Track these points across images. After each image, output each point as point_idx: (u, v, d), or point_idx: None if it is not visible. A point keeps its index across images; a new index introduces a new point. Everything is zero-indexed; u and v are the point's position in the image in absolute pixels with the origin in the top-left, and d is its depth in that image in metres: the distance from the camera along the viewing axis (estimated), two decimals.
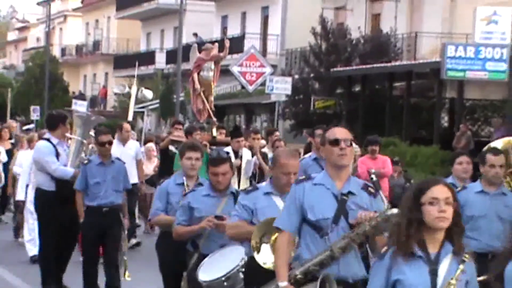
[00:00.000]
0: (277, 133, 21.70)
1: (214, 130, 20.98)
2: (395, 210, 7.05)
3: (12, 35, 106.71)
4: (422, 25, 40.45)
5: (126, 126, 20.36)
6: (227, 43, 23.58)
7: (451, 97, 35.48)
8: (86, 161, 13.11)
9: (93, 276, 12.86)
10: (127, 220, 13.47)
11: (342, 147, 7.32)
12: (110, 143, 13.04)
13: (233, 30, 55.02)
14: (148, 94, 45.42)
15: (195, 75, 22.98)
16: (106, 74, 74.09)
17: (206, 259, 8.78)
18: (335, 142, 7.35)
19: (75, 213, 13.29)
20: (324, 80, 40.30)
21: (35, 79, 66.36)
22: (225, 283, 8.42)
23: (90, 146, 14.93)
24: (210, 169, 9.19)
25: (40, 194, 14.10)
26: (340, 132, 7.45)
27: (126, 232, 13.16)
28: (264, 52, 45.90)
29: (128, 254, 13.42)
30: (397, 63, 38.75)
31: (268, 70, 33.64)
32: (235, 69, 33.91)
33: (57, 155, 13.78)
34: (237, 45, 50.31)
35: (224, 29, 56.91)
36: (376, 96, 38.72)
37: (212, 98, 23.16)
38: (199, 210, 9.16)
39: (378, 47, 40.04)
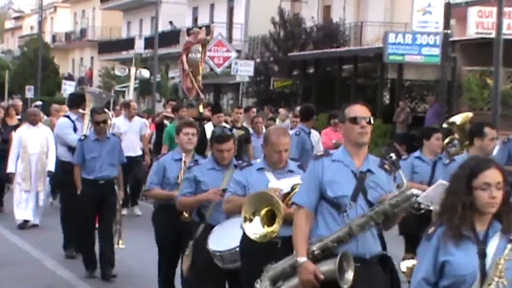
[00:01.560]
0: (254, 109, 21.28)
1: (200, 106, 20.59)
2: (415, 191, 6.60)
3: (9, 24, 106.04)
4: (367, 15, 40.56)
5: (133, 104, 20.21)
6: (213, 29, 23.58)
7: (392, 78, 35.57)
8: (83, 138, 12.71)
9: (90, 243, 12.38)
10: (122, 192, 12.81)
11: (363, 125, 6.58)
12: (105, 121, 12.44)
13: (203, 20, 54.88)
14: (145, 73, 45.02)
15: (184, 57, 22.80)
16: (92, 58, 73.74)
17: (214, 229, 8.13)
18: (355, 120, 6.60)
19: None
20: (282, 63, 40.33)
21: (29, 62, 65.96)
22: (237, 254, 7.80)
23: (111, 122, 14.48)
24: (215, 146, 8.57)
25: (60, 164, 14.44)
26: (360, 110, 6.72)
27: (121, 202, 12.61)
28: (230, 39, 45.83)
29: (123, 222, 12.81)
30: (345, 48, 38.88)
31: (233, 54, 33.74)
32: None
33: (75, 129, 13.92)
34: (206, 32, 50.35)
35: (195, 19, 56.77)
36: (327, 77, 38.74)
37: (200, 78, 22.95)
38: (205, 183, 8.51)
39: (329, 35, 40.17)
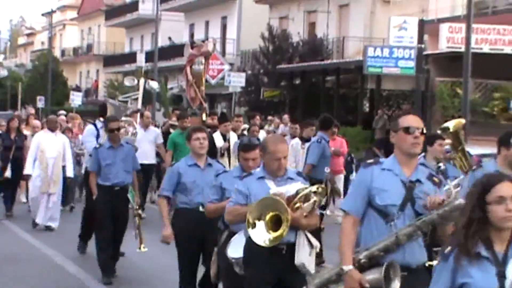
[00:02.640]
0: (257, 116, 20.70)
1: (204, 115, 20.29)
2: (463, 200, 5.68)
3: (21, 40, 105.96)
4: (348, 31, 40.57)
5: (147, 113, 19.66)
6: (215, 42, 23.32)
7: (371, 88, 35.66)
8: (98, 146, 12.26)
9: (107, 248, 11.76)
10: (138, 198, 12.18)
11: (416, 136, 6.02)
12: (118, 129, 12.03)
13: (199, 35, 54.89)
14: (154, 85, 44.63)
15: (188, 69, 22.59)
16: (98, 70, 73.72)
17: (235, 236, 7.65)
18: (408, 130, 6.03)
19: None
20: (271, 75, 40.36)
21: (40, 75, 65.97)
22: None
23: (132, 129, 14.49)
24: (241, 154, 8.05)
25: (86, 171, 14.40)
26: (413, 120, 6.11)
27: (137, 207, 11.89)
28: (223, 52, 45.84)
29: (144, 226, 12.18)
30: (329, 61, 38.90)
31: (226, 67, 33.66)
32: (200, 67, 33.95)
33: (98, 136, 13.89)
34: None
35: (191, 34, 56.77)
36: (312, 87, 38.81)
37: (203, 88, 22.66)
38: (229, 191, 7.85)
39: (314, 49, 40.18)
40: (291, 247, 6.85)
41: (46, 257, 13.70)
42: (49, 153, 16.27)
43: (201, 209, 8.74)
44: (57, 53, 78.14)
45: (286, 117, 30.31)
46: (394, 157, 6.16)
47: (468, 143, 22.16)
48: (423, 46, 28.58)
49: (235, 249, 7.45)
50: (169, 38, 55.67)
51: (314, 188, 6.92)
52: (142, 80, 36.80)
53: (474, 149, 18.97)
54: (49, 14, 73.05)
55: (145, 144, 17.92)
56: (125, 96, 51.02)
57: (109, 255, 11.74)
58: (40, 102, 52.27)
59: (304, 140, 15.96)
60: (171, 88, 48.39)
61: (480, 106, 28.70)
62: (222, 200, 7.97)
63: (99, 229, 11.92)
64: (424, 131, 6.11)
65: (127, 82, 42.45)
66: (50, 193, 16.38)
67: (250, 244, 6.95)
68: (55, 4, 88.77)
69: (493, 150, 19.74)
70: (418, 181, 6.07)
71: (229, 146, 15.89)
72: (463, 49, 23.89)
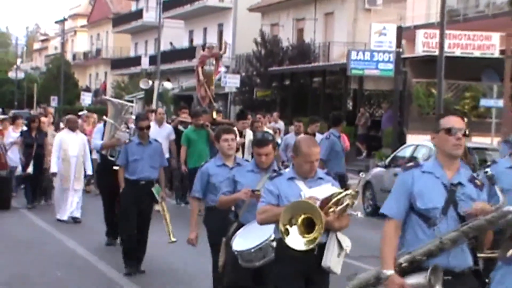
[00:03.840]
0: (249, 116, 19.38)
1: (214, 113, 19.51)
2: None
3: (36, 45, 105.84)
4: (333, 36, 40.62)
5: (160, 110, 19.19)
6: (226, 44, 22.83)
7: (354, 88, 35.70)
8: (127, 141, 11.74)
9: (131, 239, 11.19)
10: (164, 193, 11.57)
11: (458, 137, 5.42)
12: (148, 127, 11.49)
13: (197, 41, 54.94)
14: (168, 85, 44.22)
15: (200, 69, 22.30)
16: (106, 73, 73.66)
17: (241, 229, 7.28)
18: (450, 131, 5.42)
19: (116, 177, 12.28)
20: (263, 77, 40.39)
21: (53, 77, 65.80)
22: (253, 254, 6.89)
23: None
24: (255, 149, 7.55)
25: (95, 164, 14.52)
26: (455, 121, 5.51)
27: (163, 202, 11.25)
28: (221, 56, 45.88)
29: (173, 220, 11.46)
30: (316, 64, 39.00)
31: (223, 69, 33.71)
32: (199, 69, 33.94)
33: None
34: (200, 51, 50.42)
35: (191, 40, 56.80)
36: (301, 88, 38.82)
37: (213, 87, 22.34)
38: (242, 184, 7.51)
39: (302, 53, 40.26)
40: (322, 247, 6.34)
41: (68, 248, 13.56)
42: (71, 151, 15.93)
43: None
44: (69, 57, 78.02)
45: (275, 114, 30.41)
46: (435, 159, 5.58)
47: None
48: (401, 50, 28.58)
49: (240, 242, 7.10)
50: (171, 43, 55.70)
51: (348, 191, 6.39)
52: (156, 82, 36.85)
53: None
54: (62, 21, 72.86)
55: (160, 140, 17.61)
56: (131, 96, 51.01)
57: (132, 246, 11.18)
58: (54, 102, 52.37)
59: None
60: (172, 89, 48.35)
61: (453, 105, 28.74)
62: (234, 193, 7.57)
63: (122, 221, 11.46)
64: (467, 132, 5.51)
65: (142, 84, 42.45)
66: (76, 189, 16.03)
67: (280, 244, 6.37)
68: (67, 13, 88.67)
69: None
70: (460, 183, 5.46)
71: (244, 142, 15.50)
72: (437, 53, 23.94)
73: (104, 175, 13.30)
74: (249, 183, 7.49)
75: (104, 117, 13.89)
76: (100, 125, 14.55)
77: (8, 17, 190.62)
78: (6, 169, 18.17)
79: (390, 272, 5.36)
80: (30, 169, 17.88)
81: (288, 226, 6.11)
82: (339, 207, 6.30)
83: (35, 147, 17.90)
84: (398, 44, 28.22)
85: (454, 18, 29.81)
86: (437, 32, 24.76)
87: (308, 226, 6.13)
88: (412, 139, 25.01)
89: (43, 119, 19.39)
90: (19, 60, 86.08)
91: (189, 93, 47.46)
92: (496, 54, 27.99)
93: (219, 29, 52.85)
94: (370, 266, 9.73)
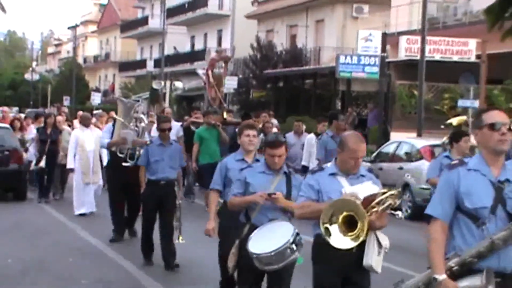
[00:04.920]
0: (264, 114, 19.08)
1: (224, 113, 19.32)
2: None
3: (51, 49, 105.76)
4: (324, 42, 40.63)
5: (167, 109, 18.70)
6: (234, 48, 22.45)
7: (343, 90, 35.65)
8: (149, 142, 11.24)
9: (149, 235, 10.81)
10: (181, 192, 11.03)
11: (503, 132, 4.79)
12: (169, 129, 11.01)
13: (199, 46, 54.98)
14: (179, 84, 43.86)
15: (210, 72, 22.01)
16: (114, 75, 73.69)
17: (255, 231, 6.64)
18: (494, 126, 4.78)
19: (129, 173, 12.12)
20: (259, 79, 40.37)
21: (66, 79, 65.81)
22: (274, 257, 6.30)
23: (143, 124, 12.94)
24: (268, 150, 6.89)
25: (107, 161, 13.66)
26: (499, 116, 4.88)
27: (180, 202, 10.72)
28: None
29: (187, 216, 11.25)
30: (307, 67, 38.99)
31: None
32: (199, 71, 33.97)
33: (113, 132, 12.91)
34: (201, 55, 50.36)
35: (192, 45, 56.80)
36: (294, 89, 38.79)
37: (223, 89, 21.95)
38: (254, 186, 6.88)
39: (295, 57, 40.23)
40: (361, 245, 5.73)
41: (80, 237, 13.54)
42: (88, 146, 15.47)
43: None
44: (80, 60, 78.04)
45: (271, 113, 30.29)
46: (480, 156, 4.92)
47: (422, 135, 22.36)
48: (385, 54, 28.57)
49: (257, 245, 6.49)
50: (174, 48, 55.67)
51: (391, 192, 5.87)
52: (168, 82, 36.62)
53: (428, 141, 19.09)
54: (74, 27, 72.84)
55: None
56: (137, 96, 50.88)
57: (150, 244, 10.81)
58: (66, 101, 52.43)
59: (318, 135, 15.18)
60: (176, 89, 48.34)
61: (433, 105, 28.77)
62: (245, 194, 6.93)
63: (144, 219, 10.95)
64: None
65: (155, 85, 42.26)
66: (95, 182, 15.68)
67: (318, 241, 5.86)
68: (79, 19, 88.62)
69: (442, 141, 19.85)
70: (507, 180, 4.83)
71: None
72: (418, 57, 23.96)
73: (113, 172, 12.94)
74: (261, 184, 6.88)
75: (114, 115, 13.49)
76: (109, 124, 14.10)
77: (25, 24, 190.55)
78: (22, 164, 18.14)
79: (442, 276, 4.74)
80: (42, 163, 17.51)
81: (328, 225, 5.60)
82: (381, 207, 5.80)
83: (48, 143, 17.55)
84: (383, 49, 28.20)
85: (434, 25, 29.82)
86: (419, 38, 24.77)
87: (349, 225, 5.62)
88: (395, 136, 25.01)
89: (58, 117, 19.06)
90: (34, 63, 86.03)
91: (192, 93, 47.46)
92: (473, 59, 28.01)
93: (218, 34, 52.85)
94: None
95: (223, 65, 22.14)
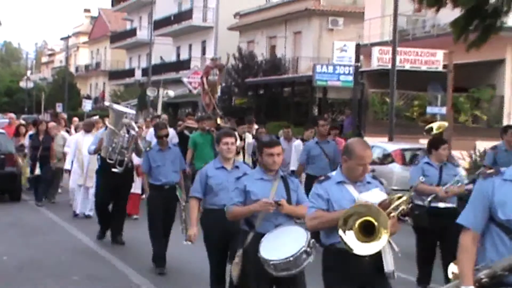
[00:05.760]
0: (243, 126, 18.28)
1: (218, 119, 18.88)
2: None
3: (44, 59, 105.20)
4: (301, 52, 40.69)
5: (164, 116, 17.99)
6: (229, 56, 22.06)
7: (319, 97, 35.71)
8: (148, 149, 10.78)
9: (158, 242, 10.30)
10: (184, 195, 10.40)
11: None
12: (166, 135, 10.65)
13: (184, 55, 54.93)
14: (171, 93, 43.61)
15: (204, 79, 21.78)
16: (104, 83, 73.41)
17: (264, 238, 6.17)
18: None
19: (118, 180, 11.98)
20: (241, 87, 40.34)
21: (59, 86, 65.49)
22: (292, 262, 5.91)
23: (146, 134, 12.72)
24: (265, 150, 6.46)
25: (98, 166, 12.89)
26: None
27: (184, 204, 10.00)
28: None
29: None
30: (286, 76, 39.01)
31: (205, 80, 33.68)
32: (185, 80, 34.00)
33: None
34: (186, 64, 50.39)
35: (178, 54, 56.72)
36: (273, 96, 38.80)
37: (216, 96, 21.64)
38: (255, 193, 6.40)
39: (274, 66, 40.27)
40: (375, 253, 5.30)
41: (71, 236, 13.53)
42: (85, 151, 14.61)
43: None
44: (72, 69, 77.74)
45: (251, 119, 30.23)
46: None
47: (394, 140, 22.43)
48: (359, 64, 28.67)
49: (269, 251, 6.05)
50: (161, 58, 55.51)
51: (404, 198, 5.53)
52: (161, 90, 36.49)
53: (399, 145, 19.15)
54: (66, 38, 72.63)
55: None
56: (126, 103, 50.72)
57: (162, 248, 10.31)
58: (59, 108, 52.23)
59: (304, 141, 14.85)
60: (168, 97, 48.33)
61: (403, 112, 28.87)
62: (245, 203, 6.47)
63: (151, 225, 10.37)
64: None
65: (149, 92, 42.16)
66: (88, 187, 15.11)
67: (331, 250, 5.51)
68: (71, 31, 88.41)
69: (412, 145, 19.96)
70: None
71: (244, 145, 14.94)
72: (390, 67, 24.04)
73: (103, 177, 12.43)
74: (261, 192, 6.43)
75: (106, 122, 12.88)
76: (100, 130, 13.61)
77: (20, 35, 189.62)
78: (16, 167, 18.01)
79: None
80: (37, 171, 17.26)
81: (341, 232, 5.20)
82: (396, 212, 5.46)
83: (40, 149, 17.23)
84: (357, 59, 28.31)
85: (404, 37, 29.94)
86: (390, 49, 24.86)
87: (365, 231, 5.21)
88: (368, 140, 24.98)
89: (50, 123, 18.71)
90: (29, 72, 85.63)
91: (178, 100, 47.40)
92: (440, 68, 28.13)
93: (202, 45, 52.83)
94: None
95: (218, 72, 21.87)
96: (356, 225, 5.17)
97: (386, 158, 18.14)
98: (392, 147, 18.72)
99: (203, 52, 52.22)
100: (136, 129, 12.64)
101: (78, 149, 15.40)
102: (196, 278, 9.65)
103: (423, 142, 21.47)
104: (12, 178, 17.86)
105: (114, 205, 12.53)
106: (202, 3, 52.43)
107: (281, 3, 43.38)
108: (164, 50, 56.47)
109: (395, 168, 17.32)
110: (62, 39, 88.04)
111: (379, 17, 32.69)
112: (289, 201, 6.41)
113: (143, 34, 59.64)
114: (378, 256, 5.33)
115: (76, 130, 18.23)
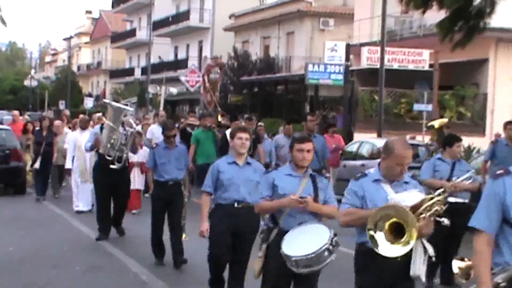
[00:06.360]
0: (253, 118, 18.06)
1: (219, 116, 18.77)
2: None
3: (48, 58, 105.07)
4: (294, 51, 40.66)
5: (161, 112, 17.61)
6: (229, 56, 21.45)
7: (311, 95, 35.72)
8: (154, 145, 10.53)
9: (158, 234, 10.12)
10: (187, 192, 10.36)
11: None
12: (174, 136, 10.27)
13: (181, 55, 54.85)
14: (173, 90, 43.38)
15: (206, 77, 21.58)
16: (105, 81, 73.27)
17: (287, 235, 5.94)
18: None
19: (115, 176, 11.68)
20: (236, 85, 40.36)
21: (62, 85, 65.41)
22: (314, 259, 5.69)
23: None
24: (296, 146, 6.16)
25: (94, 162, 12.43)
26: None
27: (186, 200, 10.14)
28: (200, 68, 45.71)
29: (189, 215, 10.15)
30: (279, 74, 39.02)
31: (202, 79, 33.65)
32: (182, 78, 33.83)
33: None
34: (184, 63, 50.32)
35: (176, 54, 56.64)
36: (267, 94, 38.84)
37: (217, 94, 21.44)
38: (283, 188, 6.12)
39: (268, 65, 40.27)
40: (406, 254, 4.98)
41: (74, 227, 13.48)
42: (83, 148, 14.10)
43: (236, 205, 7.29)
44: (74, 68, 77.62)
45: (246, 116, 30.18)
46: None
47: (382, 136, 22.45)
48: (349, 63, 28.71)
49: (292, 247, 5.84)
50: (159, 57, 55.48)
51: (438, 197, 5.18)
52: (163, 87, 36.37)
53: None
54: (69, 39, 72.70)
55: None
56: (126, 101, 50.73)
57: (160, 243, 10.11)
58: (62, 105, 52.33)
59: None
60: (160, 94, 48.30)
61: (391, 109, 28.90)
62: (273, 197, 6.19)
63: (153, 220, 10.16)
64: None
65: (151, 89, 42.06)
66: (91, 182, 14.36)
67: (362, 250, 5.23)
68: (73, 32, 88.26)
69: None
70: None
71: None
72: (378, 66, 24.06)
73: (101, 173, 11.93)
74: (289, 187, 6.15)
75: (104, 119, 12.48)
76: (97, 126, 12.73)
77: (24, 35, 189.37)
78: (21, 161, 17.97)
79: None
80: (37, 165, 16.90)
81: (373, 232, 4.91)
82: (429, 213, 5.09)
83: (44, 145, 16.98)
84: (347, 59, 28.35)
85: (392, 37, 29.96)
86: (379, 49, 24.88)
87: (395, 232, 4.90)
88: (358, 136, 25.11)
89: (56, 121, 18.30)
90: (33, 71, 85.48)
91: (176, 98, 47.36)
92: (426, 67, 28.17)
93: (199, 45, 52.77)
94: None
95: (219, 71, 21.71)
96: (386, 226, 4.88)
97: (375, 153, 18.18)
98: (380, 142, 18.70)
99: (200, 51, 52.18)
100: (135, 126, 12.44)
101: (77, 147, 15.04)
102: (194, 268, 9.63)
103: (411, 137, 21.52)
104: (17, 172, 17.84)
105: (115, 202, 12.18)
106: (199, 4, 52.38)
107: (274, 5, 43.36)
108: (163, 49, 56.40)
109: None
110: (64, 39, 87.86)
111: (368, 18, 32.69)
112: (316, 199, 6.13)
113: (142, 34, 59.54)
114: (408, 258, 5.02)
115: (74, 127, 17.85)
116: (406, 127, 25.85)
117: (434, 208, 5.10)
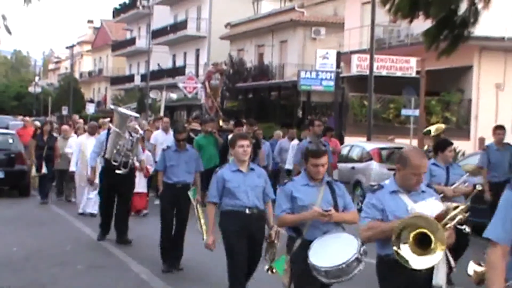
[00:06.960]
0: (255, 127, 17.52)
1: (220, 121, 18.40)
2: None
3: (51, 66, 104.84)
4: (287, 59, 40.67)
5: (165, 119, 17.38)
6: (226, 62, 21.55)
7: (303, 100, 35.75)
8: (165, 148, 10.27)
9: (168, 237, 9.77)
10: (199, 196, 9.65)
11: None
12: (184, 139, 9.99)
13: (179, 62, 54.84)
14: (174, 96, 43.25)
15: (207, 83, 21.40)
16: (106, 88, 73.22)
17: (313, 245, 5.62)
18: None
19: (120, 180, 11.47)
20: (232, 91, 40.35)
21: (64, 91, 65.33)
22: (344, 269, 5.38)
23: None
24: (311, 160, 5.86)
25: (101, 167, 12.09)
26: None
27: (199, 204, 9.43)
28: (197, 75, 45.69)
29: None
30: (273, 81, 39.05)
31: (199, 85, 33.55)
32: (180, 85, 33.83)
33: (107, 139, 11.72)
34: (181, 71, 50.33)
35: (174, 62, 56.64)
36: (261, 100, 38.85)
37: (219, 99, 21.21)
38: (301, 199, 5.84)
39: (262, 72, 40.30)
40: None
41: (76, 228, 13.47)
42: (88, 153, 13.61)
43: (247, 211, 6.98)
44: (76, 75, 77.55)
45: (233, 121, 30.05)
46: None
47: (372, 140, 22.47)
48: (340, 70, 28.69)
49: (320, 257, 5.52)
50: (158, 65, 55.43)
51: (462, 206, 4.99)
52: (164, 93, 36.28)
53: (376, 144, 19.18)
54: (71, 47, 72.55)
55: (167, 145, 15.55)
56: (126, 107, 50.65)
57: (169, 245, 9.75)
58: (64, 111, 52.22)
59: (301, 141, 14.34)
60: (159, 100, 48.25)
61: (380, 114, 28.90)
62: (294, 210, 5.89)
63: (162, 221, 9.90)
64: None
65: (153, 94, 41.96)
66: (95, 186, 14.07)
67: (384, 260, 4.95)
68: (76, 40, 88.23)
69: (388, 144, 19.98)
70: None
71: None
72: (368, 73, 24.09)
73: (106, 178, 11.73)
74: (308, 198, 5.87)
75: (110, 125, 12.26)
76: (103, 133, 12.38)
77: (29, 44, 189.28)
78: (25, 164, 17.90)
79: None
80: (44, 170, 16.69)
81: (396, 248, 4.64)
82: (453, 222, 4.84)
83: (45, 149, 16.75)
84: (338, 66, 28.33)
85: (381, 45, 30.00)
86: (368, 56, 24.90)
87: (419, 243, 4.63)
88: (348, 140, 25.10)
89: (64, 127, 17.94)
90: (37, 78, 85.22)
91: (174, 104, 47.29)
92: (414, 74, 28.18)
93: (196, 53, 52.78)
94: None
95: (219, 76, 21.57)
96: (411, 238, 4.61)
97: (364, 157, 18.21)
98: (370, 146, 18.77)
99: (197, 59, 52.18)
100: (141, 132, 12.19)
101: (81, 151, 14.85)
102: (195, 268, 9.62)
103: (399, 142, 21.54)
104: (21, 175, 17.84)
105: (118, 206, 11.97)
106: (196, 14, 52.39)
107: (268, 14, 43.41)
108: (161, 57, 56.38)
109: (373, 165, 17.51)
110: (67, 47, 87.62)
111: (358, 27, 32.73)
112: (336, 207, 5.87)
113: (141, 43, 59.53)
114: (431, 267, 4.78)
115: (76, 132, 17.50)
116: (394, 132, 25.84)
117: (458, 217, 4.89)
